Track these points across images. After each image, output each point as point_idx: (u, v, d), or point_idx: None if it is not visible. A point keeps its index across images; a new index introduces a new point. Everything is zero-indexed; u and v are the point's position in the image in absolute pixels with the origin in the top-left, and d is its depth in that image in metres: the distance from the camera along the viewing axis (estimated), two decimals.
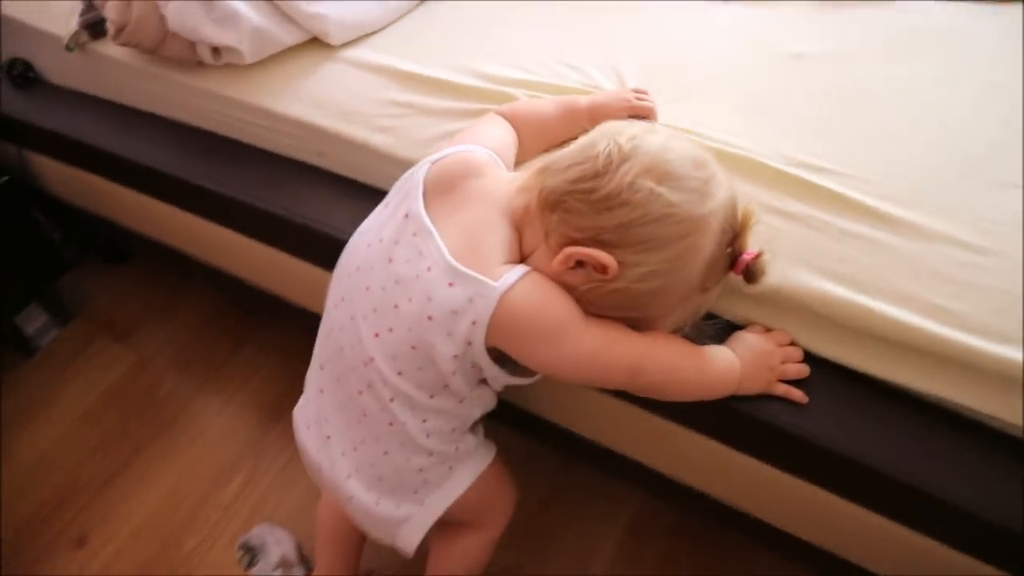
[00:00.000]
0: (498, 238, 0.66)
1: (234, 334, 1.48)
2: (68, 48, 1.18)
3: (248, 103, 1.02)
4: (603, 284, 0.62)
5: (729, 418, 0.71)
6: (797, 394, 0.68)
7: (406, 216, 0.69)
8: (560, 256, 0.62)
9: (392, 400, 0.70)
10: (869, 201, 0.72)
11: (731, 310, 0.73)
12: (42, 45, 1.26)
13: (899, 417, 0.67)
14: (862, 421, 0.67)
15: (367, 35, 1.06)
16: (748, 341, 0.70)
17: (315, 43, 1.05)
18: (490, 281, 0.63)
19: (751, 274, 0.65)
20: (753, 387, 0.68)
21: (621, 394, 0.75)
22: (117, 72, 1.17)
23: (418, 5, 1.11)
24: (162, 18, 0.99)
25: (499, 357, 0.68)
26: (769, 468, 0.73)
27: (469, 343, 0.65)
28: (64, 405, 1.41)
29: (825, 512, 0.72)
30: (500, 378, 0.70)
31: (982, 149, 0.76)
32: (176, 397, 1.39)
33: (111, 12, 1.02)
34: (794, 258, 0.70)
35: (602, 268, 0.61)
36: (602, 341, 0.65)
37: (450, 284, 0.64)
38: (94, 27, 1.15)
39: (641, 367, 0.65)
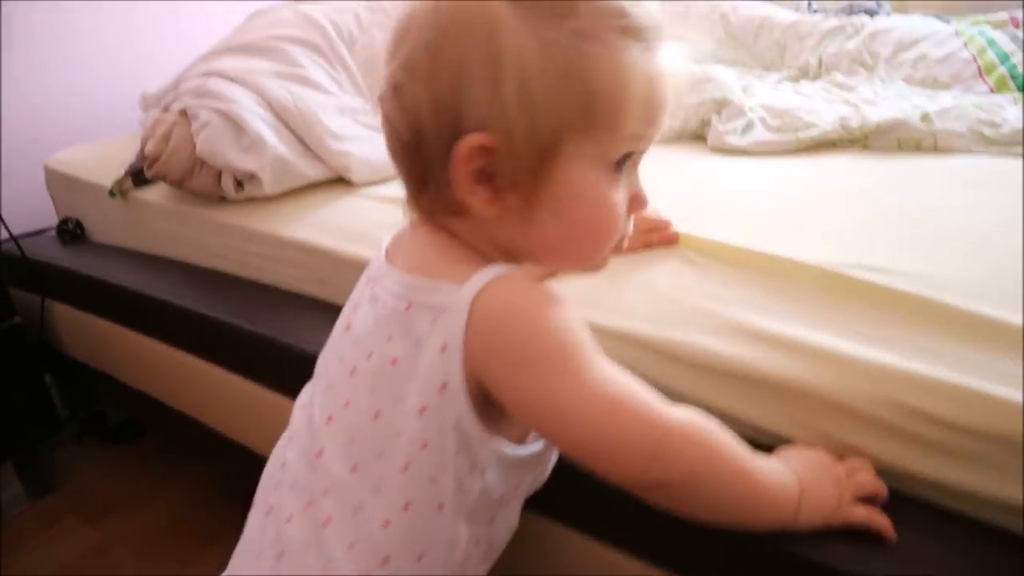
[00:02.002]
0: (451, 245, 0.51)
1: (211, 528, 1.29)
2: (111, 194, 1.21)
3: (259, 232, 0.99)
4: (512, 155, 0.44)
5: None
6: (883, 521, 0.48)
7: (368, 281, 0.56)
8: (459, 177, 0.45)
9: (325, 526, 0.50)
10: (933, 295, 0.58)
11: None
12: (90, 200, 1.31)
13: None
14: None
15: (391, 178, 1.05)
16: (797, 450, 0.52)
17: (338, 181, 1.04)
18: (453, 285, 0.47)
19: None
20: (818, 511, 0.49)
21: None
22: (147, 215, 1.18)
23: None
24: (194, 149, 1.02)
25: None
26: None
27: (444, 385, 0.47)
28: None
29: None
30: (489, 446, 0.49)
31: None
32: None
33: (149, 145, 1.06)
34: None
35: (488, 150, 0.44)
36: (620, 383, 0.47)
37: (407, 308, 0.49)
38: (138, 175, 1.20)
39: (670, 440, 0.46)
